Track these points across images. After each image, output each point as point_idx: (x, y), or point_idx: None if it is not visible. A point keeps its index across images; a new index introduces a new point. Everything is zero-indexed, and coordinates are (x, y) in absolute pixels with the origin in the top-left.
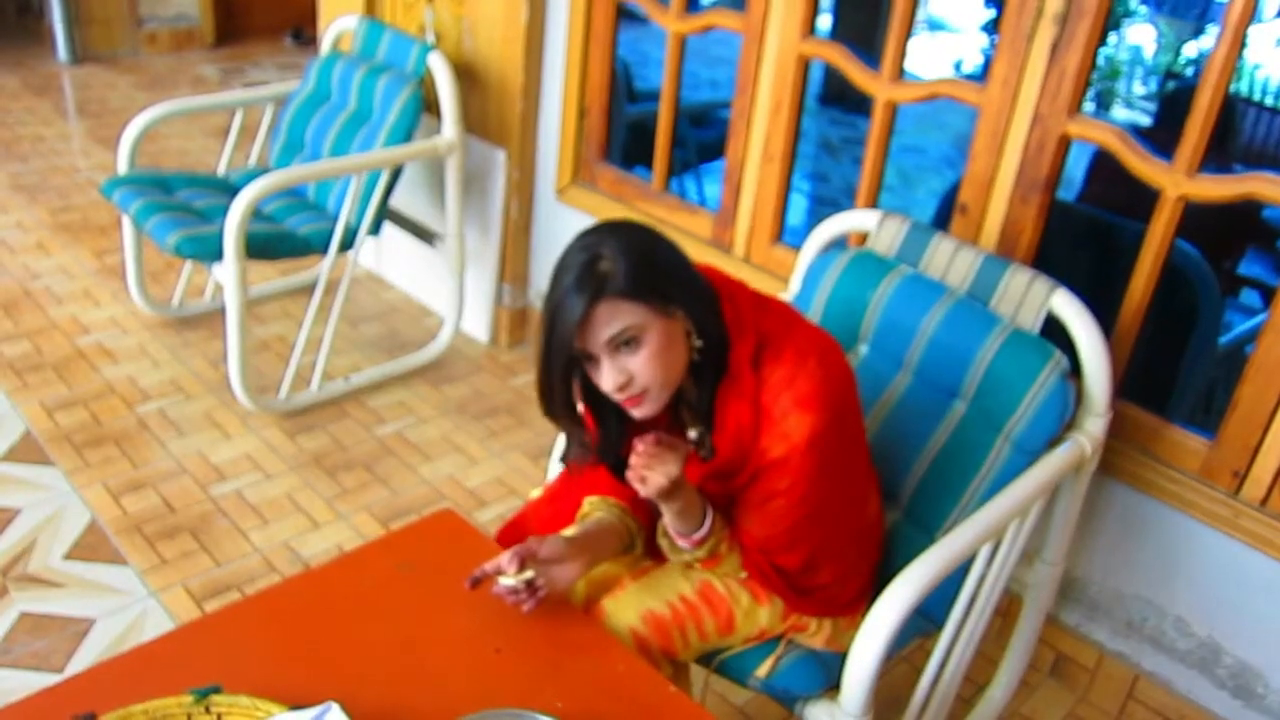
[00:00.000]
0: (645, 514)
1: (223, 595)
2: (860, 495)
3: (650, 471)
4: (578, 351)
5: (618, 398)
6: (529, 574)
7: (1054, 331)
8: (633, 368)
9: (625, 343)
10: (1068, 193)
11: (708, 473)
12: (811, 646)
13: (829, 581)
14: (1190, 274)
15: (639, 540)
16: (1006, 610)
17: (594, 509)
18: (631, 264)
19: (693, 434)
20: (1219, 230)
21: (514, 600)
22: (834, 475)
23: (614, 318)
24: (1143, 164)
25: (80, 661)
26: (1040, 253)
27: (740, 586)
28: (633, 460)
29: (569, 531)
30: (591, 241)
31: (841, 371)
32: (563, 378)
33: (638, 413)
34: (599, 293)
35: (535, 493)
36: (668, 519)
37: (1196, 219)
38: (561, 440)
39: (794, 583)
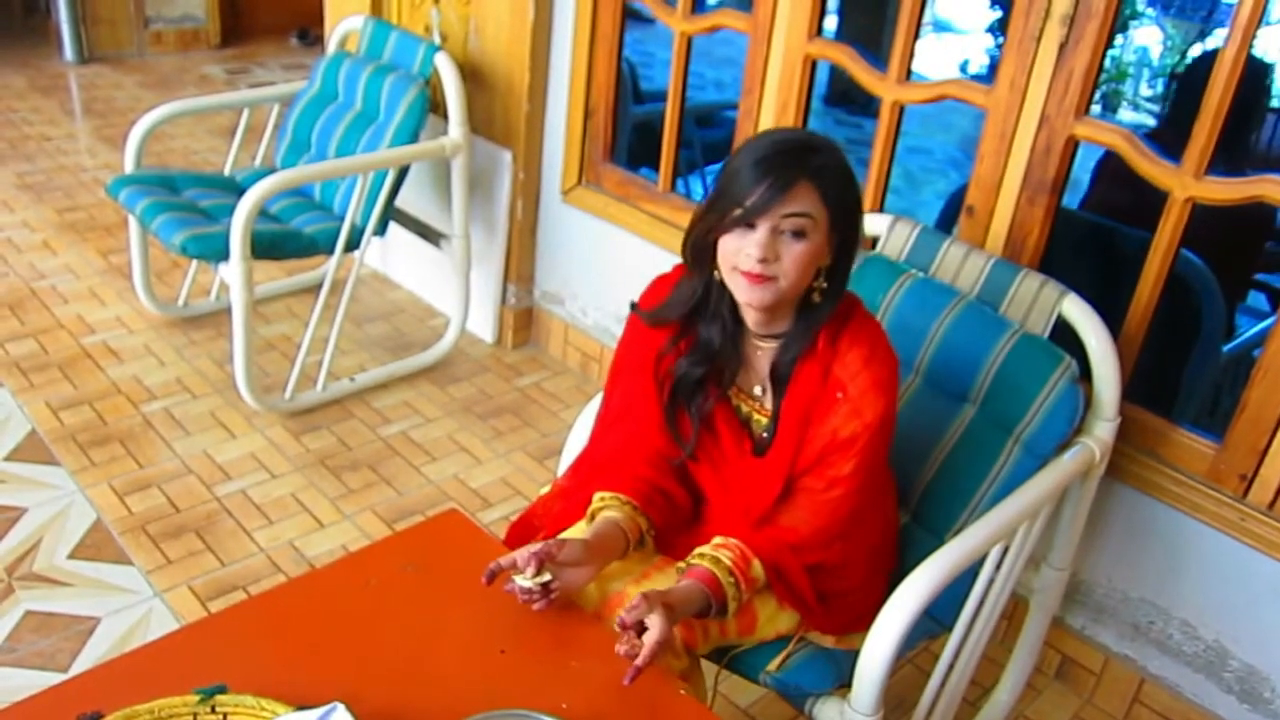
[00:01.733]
0: (657, 511)
1: (228, 595)
2: (887, 499)
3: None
4: (743, 209)
5: (753, 268)
6: (545, 577)
7: (1061, 336)
8: (784, 254)
9: (796, 232)
10: (1073, 195)
11: (777, 465)
12: (823, 644)
13: (853, 586)
14: (1193, 282)
15: (649, 538)
16: (1012, 614)
17: (605, 506)
18: (841, 175)
19: (758, 390)
20: (1232, 233)
21: (526, 599)
22: (880, 469)
23: (802, 202)
24: (1151, 166)
25: (85, 660)
26: (1045, 258)
27: (768, 592)
28: (618, 648)
29: (585, 534)
30: (815, 139)
31: (898, 369)
32: (714, 228)
33: (753, 295)
34: (808, 175)
35: (545, 489)
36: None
37: (1212, 222)
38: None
39: (825, 584)
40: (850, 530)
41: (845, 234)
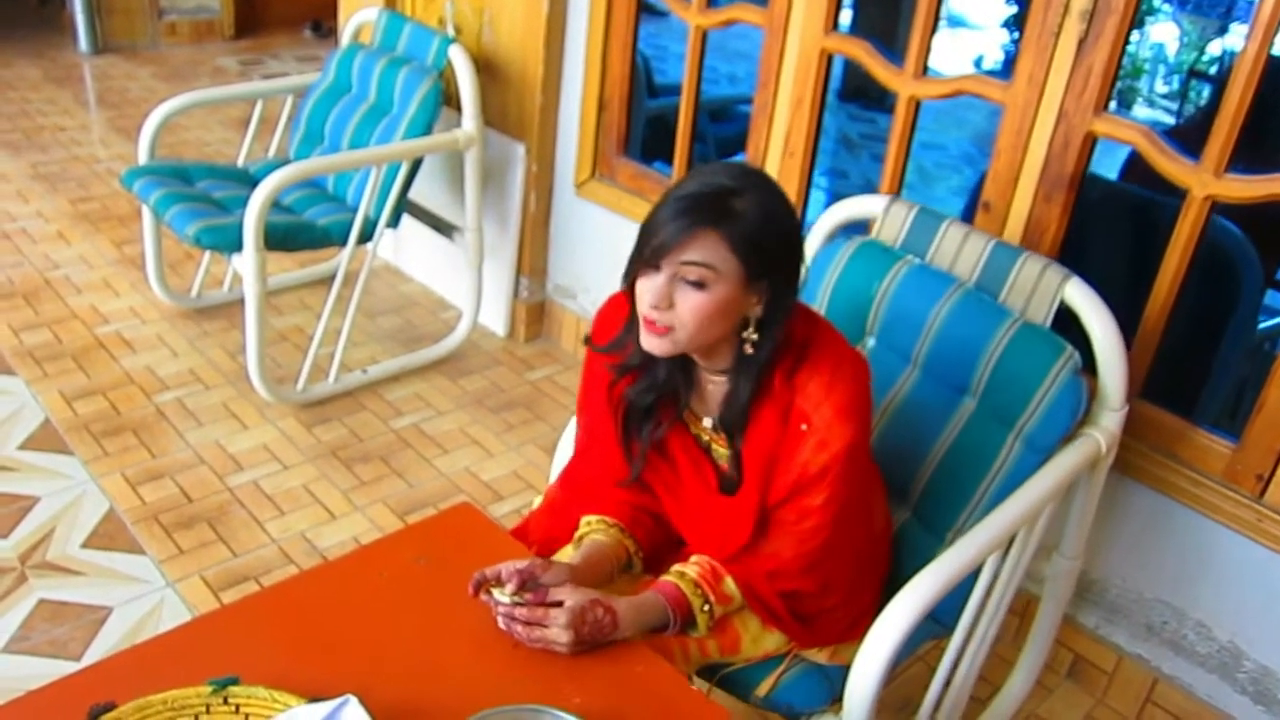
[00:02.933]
0: (644, 532)
1: (239, 586)
2: (869, 508)
3: (540, 637)
4: (650, 249)
5: (648, 313)
6: (519, 598)
7: (1067, 324)
8: (681, 303)
9: (695, 282)
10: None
11: (746, 506)
12: (815, 661)
13: (837, 603)
14: (1231, 251)
15: (637, 559)
16: (1024, 610)
17: (591, 530)
18: (759, 222)
19: (708, 422)
20: (1255, 229)
21: (497, 614)
22: (856, 490)
23: (705, 250)
24: (1170, 163)
25: (97, 649)
26: (1062, 254)
27: (750, 612)
28: (519, 631)
29: (572, 559)
30: (742, 179)
31: (868, 383)
32: (632, 266)
33: (651, 344)
34: (714, 222)
35: (537, 500)
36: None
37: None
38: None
39: (804, 607)
40: (825, 558)
41: (776, 282)
